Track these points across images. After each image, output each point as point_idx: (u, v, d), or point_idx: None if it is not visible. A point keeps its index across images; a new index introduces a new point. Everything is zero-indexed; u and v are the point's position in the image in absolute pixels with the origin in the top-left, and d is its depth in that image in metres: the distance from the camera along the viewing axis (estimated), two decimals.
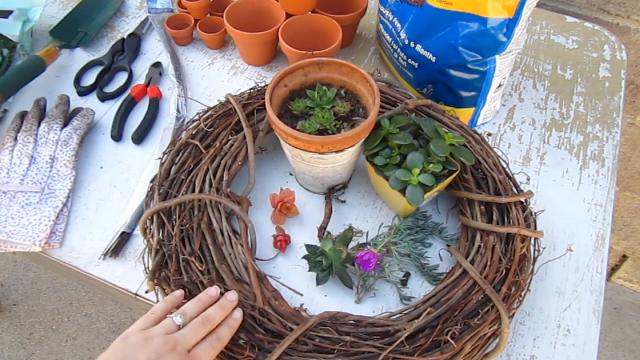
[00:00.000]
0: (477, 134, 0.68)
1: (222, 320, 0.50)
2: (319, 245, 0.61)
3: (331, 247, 0.59)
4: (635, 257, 1.45)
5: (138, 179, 0.71)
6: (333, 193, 0.69)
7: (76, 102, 0.80)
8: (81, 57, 0.88)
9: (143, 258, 0.59)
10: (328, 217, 0.65)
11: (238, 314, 0.51)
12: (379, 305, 0.60)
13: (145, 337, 0.45)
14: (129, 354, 0.43)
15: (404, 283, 0.61)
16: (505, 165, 0.65)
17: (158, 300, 0.55)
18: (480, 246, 0.59)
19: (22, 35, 0.85)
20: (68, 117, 0.75)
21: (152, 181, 0.64)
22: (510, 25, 0.65)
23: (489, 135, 0.78)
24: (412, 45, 0.74)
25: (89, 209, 0.68)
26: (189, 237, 0.59)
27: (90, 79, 0.84)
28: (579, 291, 0.62)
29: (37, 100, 0.76)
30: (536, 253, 0.60)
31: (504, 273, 0.56)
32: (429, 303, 0.55)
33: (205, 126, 0.67)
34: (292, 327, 0.52)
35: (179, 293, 0.52)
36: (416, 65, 0.76)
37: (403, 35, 0.75)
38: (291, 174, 0.72)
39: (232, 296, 0.52)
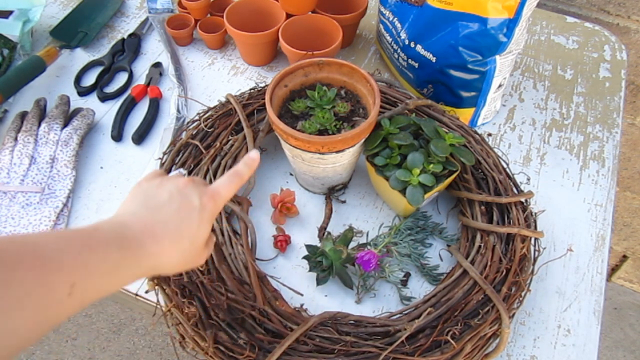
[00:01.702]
0: (477, 134, 0.68)
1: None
2: (319, 245, 0.61)
3: (331, 247, 0.59)
4: (635, 257, 1.45)
5: (138, 179, 0.71)
6: (333, 193, 0.69)
7: (76, 102, 0.80)
8: (81, 57, 0.88)
9: None
10: (328, 217, 0.65)
11: (254, 153, 0.47)
12: (379, 305, 0.60)
13: (159, 181, 0.44)
14: (149, 192, 0.43)
15: (404, 283, 0.61)
16: (505, 165, 0.65)
17: (158, 301, 0.55)
18: (480, 246, 0.59)
19: (22, 35, 0.85)
20: (68, 117, 0.75)
21: None
22: (510, 25, 0.65)
23: (489, 135, 0.78)
24: (412, 45, 0.74)
25: (89, 209, 0.68)
26: None
27: (90, 79, 0.84)
28: (579, 291, 0.62)
29: (37, 100, 0.76)
30: (536, 253, 0.60)
31: (504, 273, 0.56)
32: (429, 303, 0.55)
33: (205, 126, 0.67)
34: (292, 327, 0.52)
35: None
36: (416, 65, 0.76)
37: (403, 35, 0.75)
38: (291, 174, 0.72)
39: (255, 154, 0.49)
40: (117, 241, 0.37)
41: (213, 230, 0.59)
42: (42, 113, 0.75)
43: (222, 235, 0.59)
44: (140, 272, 0.39)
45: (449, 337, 0.51)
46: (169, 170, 0.64)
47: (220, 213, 0.60)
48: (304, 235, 0.65)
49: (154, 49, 0.90)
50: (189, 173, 0.64)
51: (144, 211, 0.41)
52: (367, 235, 0.65)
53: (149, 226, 0.40)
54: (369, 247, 0.62)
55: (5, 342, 0.29)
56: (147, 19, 0.94)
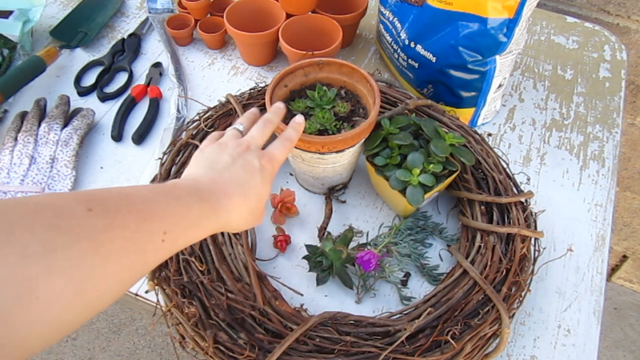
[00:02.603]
0: (477, 134, 0.68)
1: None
2: (319, 245, 0.61)
3: (331, 247, 0.59)
4: (635, 257, 1.45)
5: (138, 179, 0.71)
6: (333, 193, 0.69)
7: (76, 102, 0.80)
8: (81, 57, 0.88)
9: None
10: (328, 217, 0.65)
11: (299, 118, 0.52)
12: (379, 305, 0.60)
13: (218, 145, 0.47)
14: (212, 156, 0.46)
15: (404, 283, 0.61)
16: (505, 165, 0.65)
17: (158, 301, 0.55)
18: (480, 246, 0.59)
19: (22, 35, 0.85)
20: (68, 117, 0.75)
21: (152, 181, 0.64)
22: (510, 25, 0.65)
23: (489, 135, 0.78)
24: (412, 45, 0.74)
25: None
26: None
27: (90, 79, 0.84)
28: (579, 291, 0.62)
29: (37, 100, 0.76)
30: (536, 253, 0.60)
31: (504, 273, 0.56)
32: (429, 303, 0.55)
33: (205, 126, 0.67)
34: (292, 327, 0.52)
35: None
36: (416, 65, 0.76)
37: (403, 35, 0.75)
38: (291, 174, 0.72)
39: (280, 104, 0.53)
40: (196, 195, 0.39)
41: None
42: (42, 113, 0.75)
43: (222, 235, 0.59)
44: (216, 225, 0.41)
45: (449, 337, 0.50)
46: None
47: None
48: (304, 235, 0.65)
49: (154, 49, 0.90)
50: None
51: (211, 172, 0.44)
52: (367, 235, 0.65)
53: (220, 184, 0.42)
54: (369, 247, 0.62)
55: (109, 285, 0.30)
56: (147, 19, 0.94)
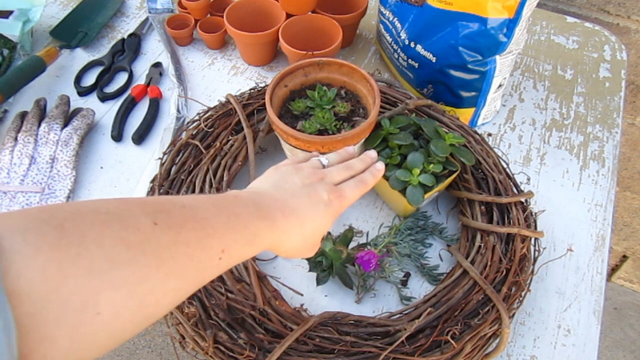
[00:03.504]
0: (477, 134, 0.68)
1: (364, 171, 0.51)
2: None
3: (331, 247, 0.59)
4: (635, 257, 1.45)
5: (138, 179, 0.71)
6: None
7: (76, 102, 0.80)
8: (81, 57, 0.88)
9: None
10: None
11: (380, 165, 0.51)
12: (379, 305, 0.60)
13: (295, 167, 0.47)
14: (283, 176, 0.46)
15: (404, 283, 0.61)
16: (505, 165, 0.65)
17: None
18: (480, 246, 0.59)
19: (22, 35, 0.85)
20: (68, 117, 0.75)
21: (152, 181, 0.64)
22: (510, 25, 0.65)
23: (489, 135, 0.78)
24: (412, 45, 0.74)
25: None
26: None
27: (90, 79, 0.84)
28: (579, 291, 0.62)
29: (37, 100, 0.76)
30: (536, 253, 0.60)
31: (504, 273, 0.56)
32: (429, 303, 0.55)
33: (205, 126, 0.67)
34: (292, 327, 0.52)
35: (315, 153, 0.53)
36: (416, 65, 0.76)
37: (403, 35, 0.75)
38: None
39: (372, 153, 0.52)
40: (255, 211, 0.39)
41: None
42: (42, 113, 0.75)
43: None
44: (268, 244, 0.40)
45: (449, 337, 0.51)
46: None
47: None
48: None
49: (154, 49, 0.90)
50: (189, 173, 0.64)
51: (275, 190, 0.44)
52: (367, 235, 0.65)
53: (280, 203, 0.42)
54: (369, 247, 0.62)
55: (168, 300, 0.31)
56: (147, 19, 0.94)
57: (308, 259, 0.60)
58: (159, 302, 0.30)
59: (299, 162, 0.49)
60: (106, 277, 0.26)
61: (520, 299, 0.57)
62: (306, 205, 0.43)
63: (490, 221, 0.61)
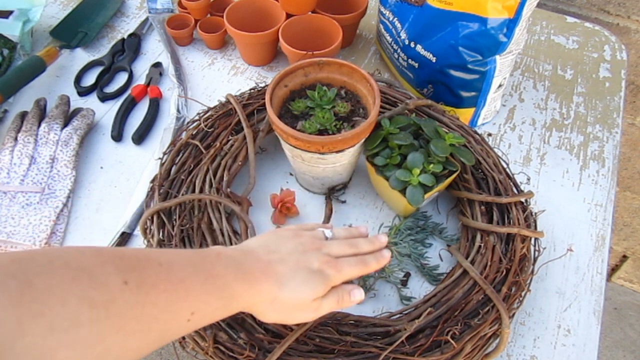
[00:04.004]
0: (477, 134, 0.68)
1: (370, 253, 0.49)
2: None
3: None
4: (635, 257, 1.45)
5: (138, 179, 0.71)
6: (333, 193, 0.69)
7: (76, 102, 0.80)
8: (81, 57, 0.88)
9: None
10: (328, 217, 0.65)
11: (387, 253, 0.50)
12: (379, 305, 0.60)
13: (295, 233, 0.46)
14: (278, 239, 0.45)
15: (404, 283, 0.61)
16: (505, 165, 0.65)
17: None
18: (480, 246, 0.59)
19: (22, 35, 0.85)
20: (68, 117, 0.75)
21: (152, 181, 0.64)
22: (510, 25, 0.65)
23: (489, 135, 0.78)
24: (412, 45, 0.74)
25: (89, 209, 0.68)
26: (189, 237, 0.59)
27: (90, 79, 0.84)
28: (579, 291, 0.62)
29: (37, 100, 0.76)
30: (536, 253, 0.60)
31: (504, 273, 0.56)
32: (429, 303, 0.55)
33: (205, 126, 0.67)
34: (292, 327, 0.52)
35: (331, 225, 0.52)
36: (416, 65, 0.76)
37: (403, 35, 0.75)
38: (291, 174, 0.72)
39: (383, 238, 0.51)
40: (236, 272, 0.39)
41: (213, 231, 0.59)
42: (42, 113, 0.75)
43: (222, 235, 0.59)
44: (244, 305, 0.40)
45: (449, 337, 0.51)
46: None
47: (220, 213, 0.60)
48: None
49: (154, 49, 0.90)
50: (189, 173, 0.64)
51: (265, 252, 0.43)
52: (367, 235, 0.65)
53: (264, 265, 0.41)
54: None
55: (129, 357, 0.31)
56: (147, 19, 0.94)
57: None
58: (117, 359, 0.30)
59: (303, 229, 0.48)
60: (65, 336, 0.27)
61: (520, 299, 0.57)
62: (290, 271, 0.42)
63: (490, 221, 0.61)
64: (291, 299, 0.42)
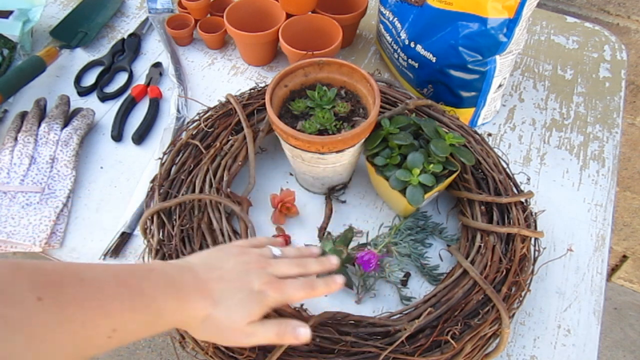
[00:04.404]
0: (477, 134, 0.68)
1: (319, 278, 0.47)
2: (319, 245, 0.61)
3: (331, 247, 0.59)
4: (635, 257, 1.45)
5: (138, 179, 0.71)
6: (333, 193, 0.69)
7: (76, 102, 0.80)
8: (81, 57, 0.88)
9: (143, 258, 0.59)
10: (328, 217, 0.65)
11: (340, 279, 0.46)
12: (379, 305, 0.60)
13: (241, 250, 0.45)
14: (221, 256, 0.44)
15: (404, 283, 0.61)
16: (505, 165, 0.65)
17: None
18: (480, 246, 0.59)
19: (22, 35, 0.85)
20: (68, 117, 0.75)
21: (152, 181, 0.64)
22: (510, 25, 0.65)
23: (489, 135, 0.78)
24: (412, 45, 0.74)
25: (89, 209, 0.68)
26: (189, 237, 0.59)
27: (90, 79, 0.84)
28: (579, 291, 0.62)
29: (37, 100, 0.76)
30: (536, 253, 0.60)
31: (504, 273, 0.56)
32: (429, 303, 0.55)
33: (205, 126, 0.67)
34: None
35: (282, 241, 0.51)
36: (416, 65, 0.76)
37: (403, 35, 0.75)
38: (291, 174, 0.72)
39: (334, 260, 0.49)
40: (165, 288, 0.38)
41: (213, 231, 0.59)
42: (42, 113, 0.75)
43: (222, 235, 0.59)
44: (177, 323, 0.39)
45: (449, 337, 0.51)
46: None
47: (220, 213, 0.60)
48: (304, 235, 0.65)
49: (154, 49, 0.90)
50: (189, 173, 0.64)
51: (205, 268, 0.42)
52: (367, 235, 0.65)
53: (201, 283, 0.41)
54: (369, 247, 0.62)
55: None
56: (147, 19, 0.94)
57: None
58: None
59: (252, 246, 0.47)
60: None
61: (520, 299, 0.57)
62: (227, 289, 0.41)
63: (490, 221, 0.61)
64: (224, 320, 0.40)
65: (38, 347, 0.29)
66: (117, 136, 0.75)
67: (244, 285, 0.42)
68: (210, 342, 0.46)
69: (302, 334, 0.43)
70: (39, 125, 0.72)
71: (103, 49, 0.89)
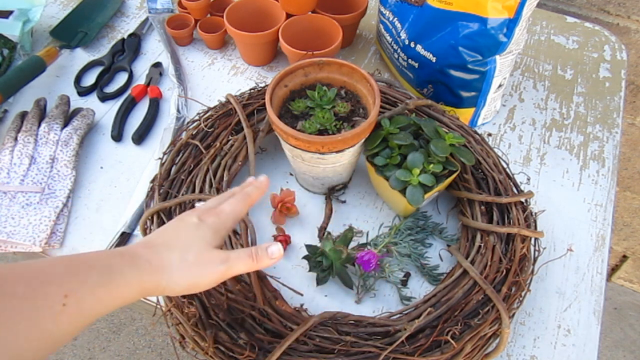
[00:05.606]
0: (477, 134, 0.68)
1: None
2: (319, 245, 0.61)
3: (331, 247, 0.59)
4: (635, 257, 1.45)
5: (138, 179, 0.71)
6: (333, 193, 0.69)
7: (76, 102, 0.80)
8: (81, 57, 0.88)
9: None
10: (328, 217, 0.65)
11: (263, 177, 0.50)
12: (379, 305, 0.60)
13: (191, 211, 0.47)
14: (168, 224, 0.45)
15: (404, 283, 0.61)
16: (505, 165, 0.65)
17: (158, 301, 0.55)
18: (480, 246, 0.59)
19: (22, 35, 0.85)
20: (68, 117, 0.75)
21: (152, 181, 0.64)
22: (510, 25, 0.65)
23: (489, 135, 0.78)
24: (412, 45, 0.74)
25: (89, 209, 0.68)
26: None
27: (90, 79, 0.84)
28: (579, 291, 0.62)
29: (37, 100, 0.76)
30: (536, 253, 0.60)
31: (504, 273, 0.56)
32: (429, 303, 0.55)
33: (205, 126, 0.67)
34: (292, 327, 0.52)
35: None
36: (416, 65, 0.76)
37: (403, 35, 0.75)
38: (291, 174, 0.72)
39: (261, 177, 0.50)
40: (112, 253, 0.39)
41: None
42: (42, 113, 0.75)
43: None
44: (147, 282, 0.39)
45: (449, 337, 0.50)
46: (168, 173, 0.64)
47: None
48: (304, 235, 0.65)
49: (154, 49, 0.90)
50: (189, 173, 0.64)
51: (152, 234, 0.44)
52: (367, 235, 0.65)
53: (147, 240, 0.42)
54: (369, 247, 0.62)
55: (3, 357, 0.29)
56: (147, 19, 0.94)
57: (308, 259, 0.60)
58: None
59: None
60: None
61: (520, 299, 0.57)
62: (173, 232, 0.43)
63: (490, 221, 0.61)
64: (187, 255, 0.41)
65: None
66: (117, 136, 0.75)
67: (185, 223, 0.44)
68: (189, 289, 0.43)
69: (275, 251, 0.45)
70: (39, 125, 0.72)
71: (103, 49, 0.89)
